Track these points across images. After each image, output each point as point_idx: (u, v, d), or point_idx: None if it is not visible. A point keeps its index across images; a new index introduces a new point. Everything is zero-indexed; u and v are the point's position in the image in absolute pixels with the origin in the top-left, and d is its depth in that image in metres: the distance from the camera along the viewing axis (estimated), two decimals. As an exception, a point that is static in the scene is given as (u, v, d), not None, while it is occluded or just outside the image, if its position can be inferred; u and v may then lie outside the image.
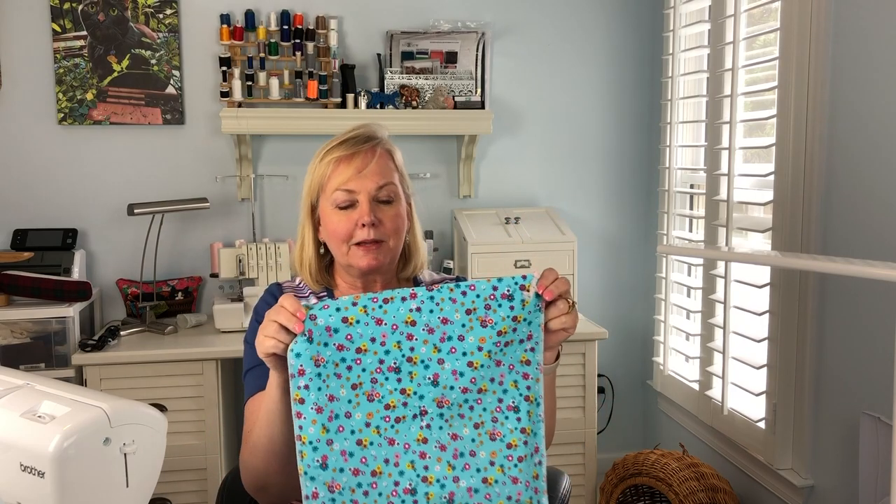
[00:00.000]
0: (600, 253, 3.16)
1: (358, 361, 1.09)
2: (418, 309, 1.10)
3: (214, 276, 2.74)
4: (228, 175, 2.88)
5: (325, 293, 1.45)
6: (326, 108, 2.81)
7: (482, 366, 1.10)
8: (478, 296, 1.11)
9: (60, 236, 2.71)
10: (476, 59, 2.93)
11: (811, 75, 2.06)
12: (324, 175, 1.39)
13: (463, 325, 1.10)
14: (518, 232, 2.79)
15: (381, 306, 1.09)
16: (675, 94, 2.86)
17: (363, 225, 1.35)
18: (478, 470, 1.10)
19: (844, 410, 1.98)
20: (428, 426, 1.10)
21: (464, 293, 1.11)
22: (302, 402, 1.06)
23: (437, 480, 1.09)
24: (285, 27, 2.81)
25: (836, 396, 2.02)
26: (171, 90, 2.82)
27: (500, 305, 1.11)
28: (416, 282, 1.53)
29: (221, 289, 2.78)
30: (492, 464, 1.10)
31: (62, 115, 2.76)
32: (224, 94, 2.77)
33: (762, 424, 2.27)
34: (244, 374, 1.40)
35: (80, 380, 2.41)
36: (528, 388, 1.11)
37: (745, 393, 2.35)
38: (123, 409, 1.02)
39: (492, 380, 1.11)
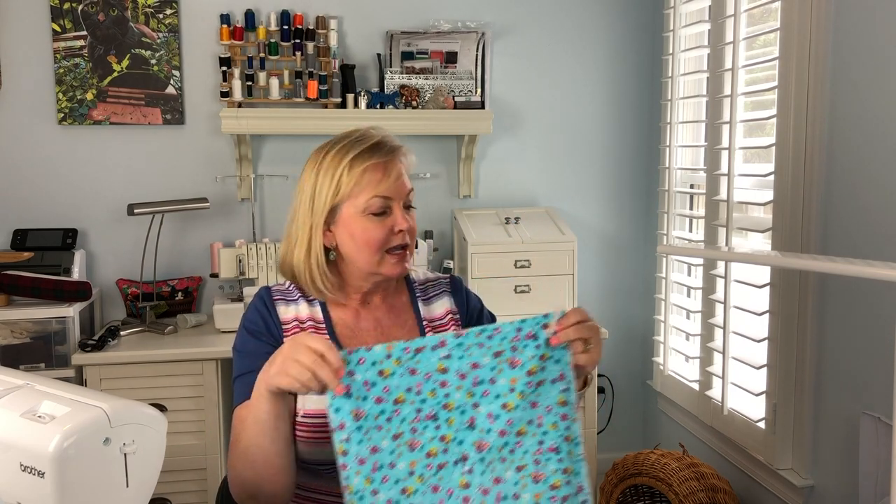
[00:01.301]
0: (600, 253, 3.16)
1: (397, 412, 1.12)
2: (448, 356, 1.13)
3: (214, 276, 2.74)
4: (228, 175, 2.88)
5: (315, 297, 1.43)
6: (326, 108, 2.81)
7: (516, 407, 1.12)
8: (503, 338, 1.13)
9: (60, 236, 2.71)
10: (476, 59, 2.93)
11: (811, 75, 2.06)
12: (356, 182, 1.35)
13: (492, 369, 1.13)
14: (518, 232, 2.79)
15: (413, 356, 1.12)
16: (675, 94, 2.86)
17: (399, 231, 1.36)
18: None
19: (844, 410, 1.98)
20: (470, 471, 1.12)
21: (490, 337, 1.14)
22: (345, 454, 1.09)
23: None
24: (285, 27, 2.81)
25: (836, 396, 2.02)
26: (171, 90, 2.82)
27: (525, 346, 1.13)
28: (409, 281, 1.53)
29: (221, 289, 2.78)
30: None
31: (62, 115, 2.76)
32: (224, 94, 2.77)
33: (762, 424, 2.27)
34: (233, 380, 1.38)
35: (80, 380, 2.41)
36: (567, 427, 1.13)
37: (745, 393, 2.35)
38: (123, 409, 1.02)
39: (530, 422, 1.13)
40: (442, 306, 1.50)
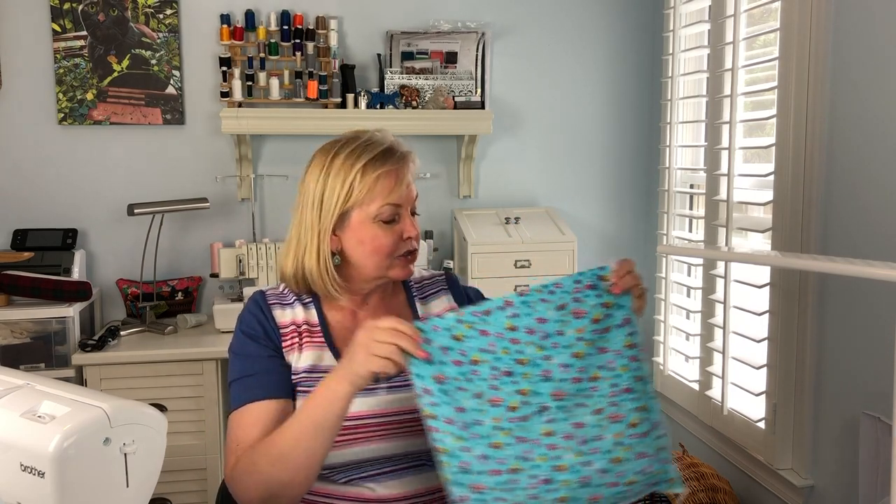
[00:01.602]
0: (600, 253, 3.16)
1: (475, 372, 1.16)
2: (515, 315, 1.18)
3: (214, 276, 2.74)
4: (228, 175, 2.88)
5: (310, 299, 1.43)
6: (326, 108, 2.81)
7: (587, 355, 1.18)
8: (565, 291, 1.19)
9: (60, 236, 2.71)
10: (476, 60, 2.93)
11: (811, 75, 2.06)
12: (369, 189, 1.34)
13: (558, 321, 1.18)
14: (518, 232, 2.79)
15: (483, 319, 1.17)
16: (675, 94, 2.86)
17: (409, 237, 1.37)
18: (606, 451, 1.15)
19: (844, 410, 1.98)
20: (551, 420, 1.16)
21: (551, 292, 1.19)
22: (434, 417, 1.13)
23: (570, 468, 1.14)
24: (285, 27, 2.81)
25: (836, 396, 2.02)
26: (171, 90, 2.82)
27: (586, 296, 1.19)
28: (405, 280, 1.53)
29: (221, 289, 2.78)
30: (618, 444, 1.16)
31: (62, 115, 2.76)
32: (224, 94, 2.77)
33: (762, 424, 2.27)
34: (230, 383, 1.37)
35: (80, 380, 2.41)
36: (638, 368, 1.19)
37: (745, 393, 2.35)
38: (123, 409, 1.02)
39: (601, 367, 1.18)
40: (441, 304, 1.51)
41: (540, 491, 1.12)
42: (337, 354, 1.38)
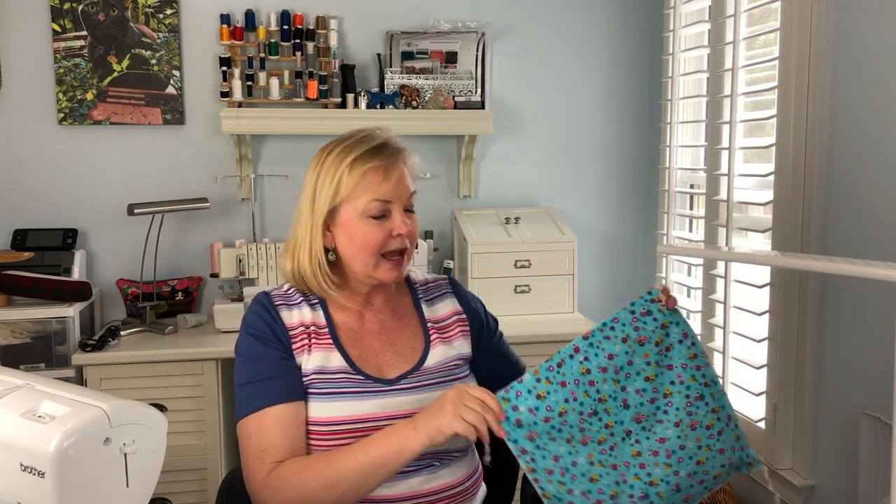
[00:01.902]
0: (600, 253, 3.16)
1: (564, 423, 1.24)
2: (586, 359, 1.25)
3: (214, 276, 2.74)
4: (228, 175, 2.88)
5: (316, 300, 1.43)
6: (326, 108, 2.81)
7: (657, 375, 1.27)
8: (623, 324, 1.27)
9: (60, 236, 2.71)
10: (476, 59, 2.93)
11: (811, 75, 2.06)
12: (356, 184, 1.35)
13: (626, 353, 1.26)
14: (518, 232, 2.79)
15: (558, 371, 1.25)
16: (675, 94, 2.86)
17: (398, 234, 1.35)
18: (690, 458, 1.24)
19: (844, 410, 1.98)
20: (637, 441, 1.26)
21: (612, 328, 1.27)
22: (534, 471, 1.21)
23: (662, 480, 1.23)
24: (285, 27, 2.81)
25: (836, 396, 2.02)
26: (171, 90, 2.82)
27: (645, 323, 1.27)
28: (409, 282, 1.53)
29: (221, 289, 2.78)
30: (700, 448, 1.25)
31: (62, 115, 2.76)
32: (224, 94, 2.77)
33: (762, 424, 2.27)
34: (238, 387, 1.37)
35: (80, 380, 2.41)
36: (703, 375, 1.27)
37: (745, 393, 2.34)
38: (123, 409, 1.02)
39: (672, 383, 1.27)
40: (446, 307, 1.50)
41: None
42: (345, 355, 1.37)
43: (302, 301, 1.43)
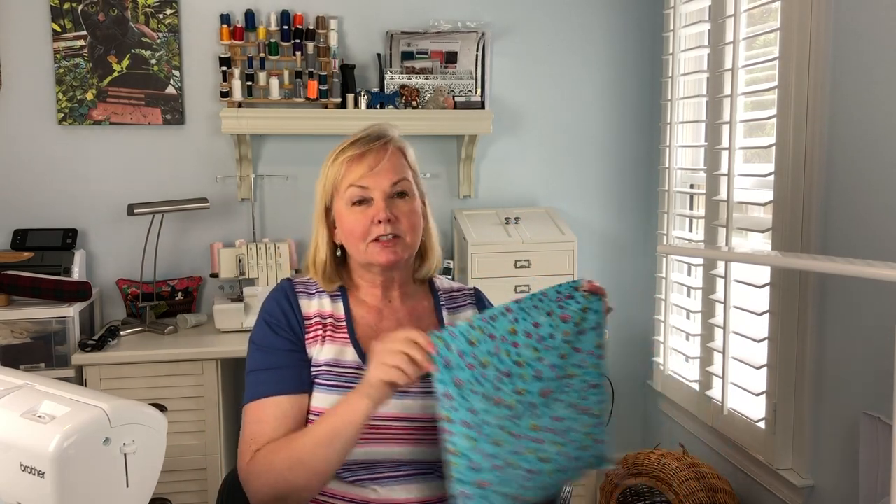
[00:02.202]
0: (600, 253, 3.16)
1: (484, 375, 1.25)
2: (515, 320, 1.27)
3: (214, 276, 2.74)
4: (228, 175, 2.88)
5: (338, 293, 1.44)
6: (326, 108, 2.81)
7: (568, 355, 1.29)
8: (550, 300, 1.30)
9: (60, 236, 2.71)
10: (476, 59, 2.93)
11: (811, 75, 2.06)
12: (337, 175, 1.39)
13: (550, 325, 1.28)
14: (518, 232, 2.79)
15: (490, 324, 1.26)
16: (675, 94, 2.86)
17: (379, 221, 1.35)
18: (577, 442, 1.28)
19: (844, 410, 1.98)
20: (538, 416, 1.27)
21: (540, 300, 1.29)
22: (451, 421, 1.20)
23: (552, 459, 1.26)
24: (285, 27, 2.81)
25: (836, 396, 2.02)
26: (171, 90, 2.82)
27: (568, 304, 1.30)
28: (432, 285, 1.52)
29: (221, 289, 2.78)
30: (586, 434, 1.29)
31: (62, 115, 2.76)
32: (224, 94, 2.77)
33: (762, 424, 2.27)
34: (247, 373, 1.38)
35: (80, 380, 2.41)
36: (601, 367, 1.31)
37: (745, 393, 2.35)
38: (123, 409, 1.02)
39: (576, 365, 1.30)
40: (466, 318, 1.50)
41: (528, 481, 1.23)
42: (359, 350, 1.38)
43: (323, 291, 1.44)
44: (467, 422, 1.21)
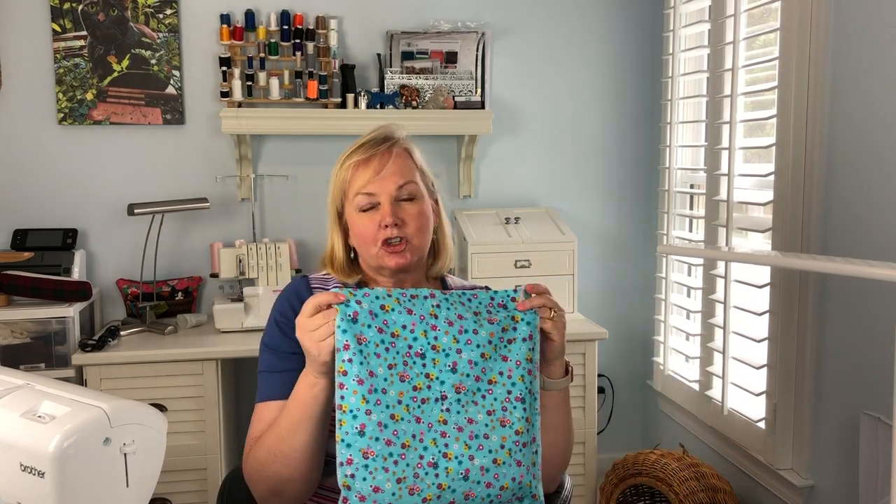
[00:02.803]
0: (600, 253, 3.16)
1: (393, 344, 1.22)
2: (438, 306, 1.25)
3: (214, 276, 2.74)
4: (228, 175, 2.88)
5: (356, 287, 1.45)
6: (326, 108, 2.81)
7: (491, 358, 1.25)
8: (480, 302, 1.28)
9: (60, 236, 2.71)
10: (476, 59, 2.93)
11: (811, 75, 2.06)
12: (345, 180, 1.40)
13: (475, 322, 1.25)
14: (518, 232, 2.79)
15: (409, 299, 1.24)
16: (675, 94, 2.86)
17: (386, 226, 1.36)
18: (490, 451, 1.21)
19: (844, 410, 1.99)
20: (447, 409, 1.22)
21: (469, 299, 1.27)
22: (345, 374, 1.18)
23: (456, 457, 1.20)
24: (285, 27, 2.81)
25: (836, 396, 2.02)
26: (171, 90, 2.82)
27: (497, 312, 1.28)
28: (444, 284, 1.52)
29: (221, 289, 2.78)
30: (502, 447, 1.22)
31: (62, 115, 2.76)
32: (224, 94, 2.77)
33: (762, 424, 2.27)
34: (258, 372, 1.40)
35: (80, 380, 2.41)
36: (531, 382, 1.26)
37: (745, 393, 2.35)
38: (123, 409, 1.02)
39: (500, 373, 1.25)
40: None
41: (424, 472, 1.18)
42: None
43: (338, 286, 1.44)
44: (362, 380, 1.17)
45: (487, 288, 1.55)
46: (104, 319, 2.85)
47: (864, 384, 1.91)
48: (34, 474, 0.96)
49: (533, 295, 1.26)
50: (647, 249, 3.16)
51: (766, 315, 2.21)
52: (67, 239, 2.71)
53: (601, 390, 3.09)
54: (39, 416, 0.99)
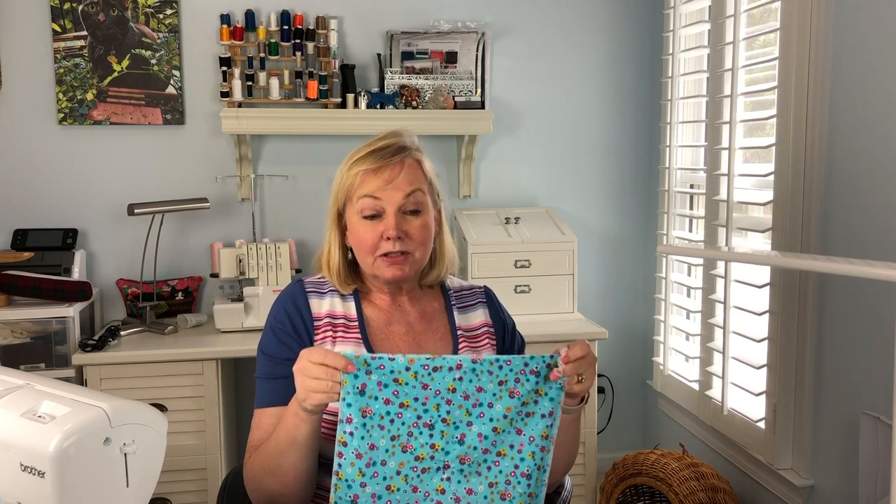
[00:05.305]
0: (600, 253, 3.16)
1: (399, 415, 1.19)
2: (460, 378, 1.20)
3: (214, 276, 2.74)
4: (228, 175, 2.88)
5: (350, 293, 1.44)
6: (326, 108, 2.81)
7: (504, 431, 1.22)
8: (511, 370, 1.21)
9: (60, 236, 2.71)
10: (476, 59, 2.93)
11: (811, 75, 2.06)
12: (351, 185, 1.38)
13: (494, 395, 1.21)
14: (518, 232, 2.79)
15: (430, 374, 1.19)
16: (675, 94, 2.86)
17: (388, 238, 1.35)
18: None
19: (844, 410, 1.99)
20: (448, 479, 1.21)
21: (500, 367, 1.21)
22: (345, 444, 1.18)
23: None
24: (285, 27, 2.81)
25: (836, 396, 2.02)
26: (171, 90, 2.82)
27: (528, 380, 1.21)
28: (443, 288, 1.52)
29: (221, 289, 2.78)
30: None
31: (62, 115, 2.76)
32: (224, 94, 2.77)
33: (762, 424, 2.27)
34: (255, 377, 1.40)
35: (80, 380, 2.41)
36: (542, 458, 1.23)
37: (745, 393, 2.35)
38: (123, 409, 1.02)
39: (511, 446, 1.22)
40: (477, 317, 1.49)
41: None
42: (371, 350, 1.39)
43: (334, 291, 1.44)
44: (361, 454, 1.17)
45: (485, 292, 1.55)
46: (104, 319, 2.85)
47: (864, 384, 1.91)
48: (34, 474, 0.96)
49: (567, 365, 1.20)
50: (647, 249, 3.16)
51: (766, 315, 2.21)
52: (67, 239, 2.71)
53: (601, 390, 3.09)
54: (39, 416, 0.99)
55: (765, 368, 2.24)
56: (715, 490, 2.30)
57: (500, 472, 1.22)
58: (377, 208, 1.36)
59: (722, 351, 2.41)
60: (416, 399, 1.19)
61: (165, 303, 2.81)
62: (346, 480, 1.17)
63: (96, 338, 2.47)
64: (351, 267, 1.46)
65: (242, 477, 1.38)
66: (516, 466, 1.21)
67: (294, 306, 1.41)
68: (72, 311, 2.47)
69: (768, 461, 2.24)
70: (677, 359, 2.93)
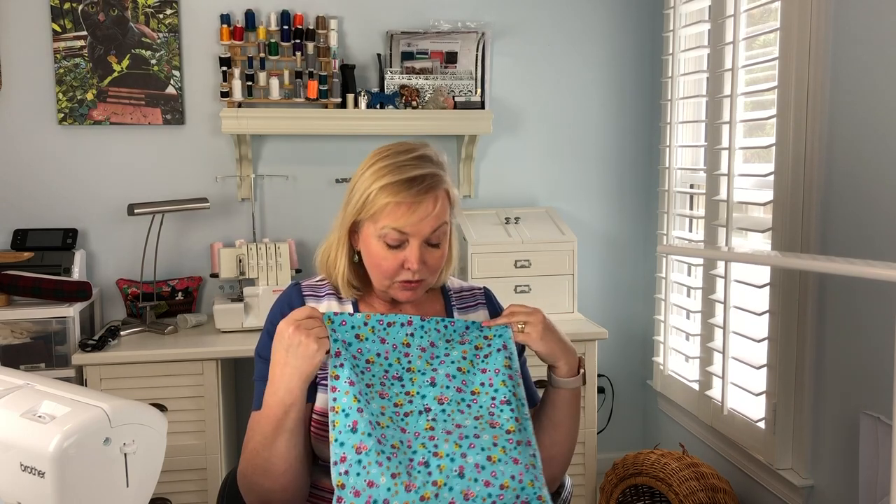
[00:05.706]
0: (600, 253, 3.16)
1: (368, 369, 1.27)
2: (412, 334, 1.32)
3: (214, 276, 2.74)
4: (228, 175, 2.88)
5: (349, 303, 1.44)
6: (326, 108, 2.81)
7: (469, 372, 1.31)
8: (454, 330, 1.35)
9: (60, 236, 2.71)
10: (476, 59, 2.93)
11: (811, 75, 2.06)
12: (379, 210, 1.32)
13: (445, 348, 1.33)
14: (518, 232, 2.79)
15: (385, 329, 1.30)
16: (675, 94, 2.86)
17: (408, 268, 1.33)
18: (482, 449, 1.22)
19: (844, 410, 1.99)
20: (434, 419, 1.26)
21: (445, 327, 1.34)
22: (337, 378, 1.23)
23: (447, 455, 1.21)
24: (285, 27, 2.81)
25: (836, 396, 2.02)
26: (171, 90, 2.82)
27: (471, 333, 1.35)
28: (444, 289, 1.52)
29: (221, 289, 2.78)
30: (494, 445, 1.23)
31: (62, 115, 2.76)
32: (224, 94, 2.77)
33: (762, 424, 2.27)
34: (253, 379, 1.40)
35: (80, 380, 2.41)
36: (515, 386, 1.30)
37: (745, 393, 2.35)
38: (123, 409, 1.02)
39: (482, 384, 1.30)
40: (478, 318, 1.48)
41: (416, 471, 1.19)
42: None
43: (331, 294, 1.43)
44: (353, 381, 1.23)
45: (485, 293, 1.56)
46: (104, 319, 2.85)
47: (864, 384, 1.91)
48: (34, 474, 0.96)
49: (500, 318, 1.34)
50: (647, 249, 3.16)
51: (766, 315, 2.21)
52: (67, 239, 2.71)
53: (601, 390, 3.09)
54: (39, 416, 0.99)
55: (765, 368, 2.24)
56: (715, 490, 2.30)
57: (481, 406, 1.28)
58: (403, 240, 1.33)
59: (722, 351, 2.41)
60: (378, 355, 1.28)
61: (165, 303, 2.81)
62: (344, 410, 1.21)
63: (96, 338, 2.47)
64: (355, 268, 1.44)
65: (240, 490, 1.37)
66: (493, 398, 1.28)
67: (291, 310, 1.40)
68: (72, 311, 2.47)
69: (768, 461, 2.24)
70: (677, 359, 2.93)
